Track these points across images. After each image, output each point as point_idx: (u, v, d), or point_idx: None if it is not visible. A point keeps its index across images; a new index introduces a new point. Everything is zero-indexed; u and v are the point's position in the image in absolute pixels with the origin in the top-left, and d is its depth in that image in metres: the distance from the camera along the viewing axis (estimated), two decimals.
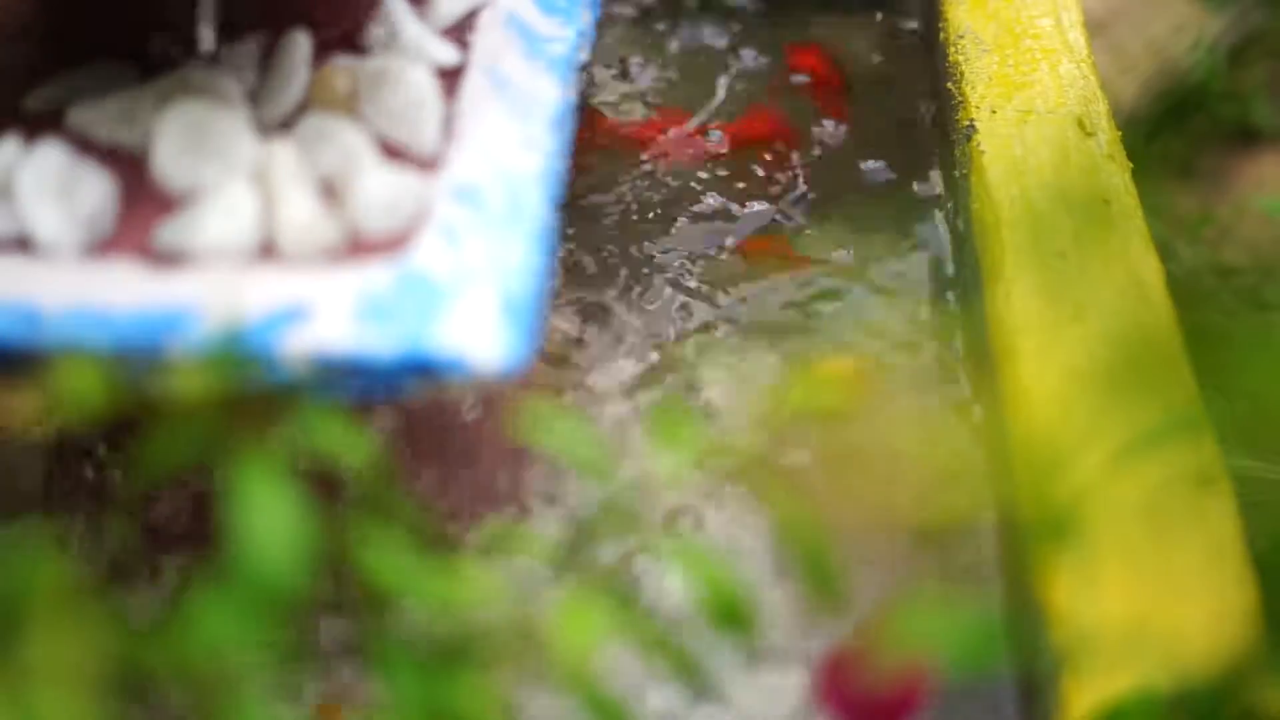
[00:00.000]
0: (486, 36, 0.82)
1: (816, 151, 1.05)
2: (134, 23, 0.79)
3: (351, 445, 0.59)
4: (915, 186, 1.02)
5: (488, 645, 0.57)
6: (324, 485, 0.74)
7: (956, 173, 0.97)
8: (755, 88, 1.10)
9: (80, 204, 0.71)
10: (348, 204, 0.72)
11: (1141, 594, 0.69)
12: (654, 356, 0.90)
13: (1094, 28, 1.06)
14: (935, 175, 1.03)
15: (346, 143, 0.74)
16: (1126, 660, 0.66)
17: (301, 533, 0.54)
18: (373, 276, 0.68)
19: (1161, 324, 0.81)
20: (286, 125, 0.76)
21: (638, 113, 1.09)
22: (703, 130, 1.06)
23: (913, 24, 1.15)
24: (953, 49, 1.02)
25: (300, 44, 0.78)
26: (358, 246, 0.71)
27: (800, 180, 1.03)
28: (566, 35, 0.83)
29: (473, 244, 0.70)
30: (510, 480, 0.83)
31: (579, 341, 0.89)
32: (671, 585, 0.72)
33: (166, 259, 0.70)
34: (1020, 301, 0.83)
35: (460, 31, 0.82)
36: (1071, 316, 0.81)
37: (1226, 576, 0.69)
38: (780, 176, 1.03)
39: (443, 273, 0.69)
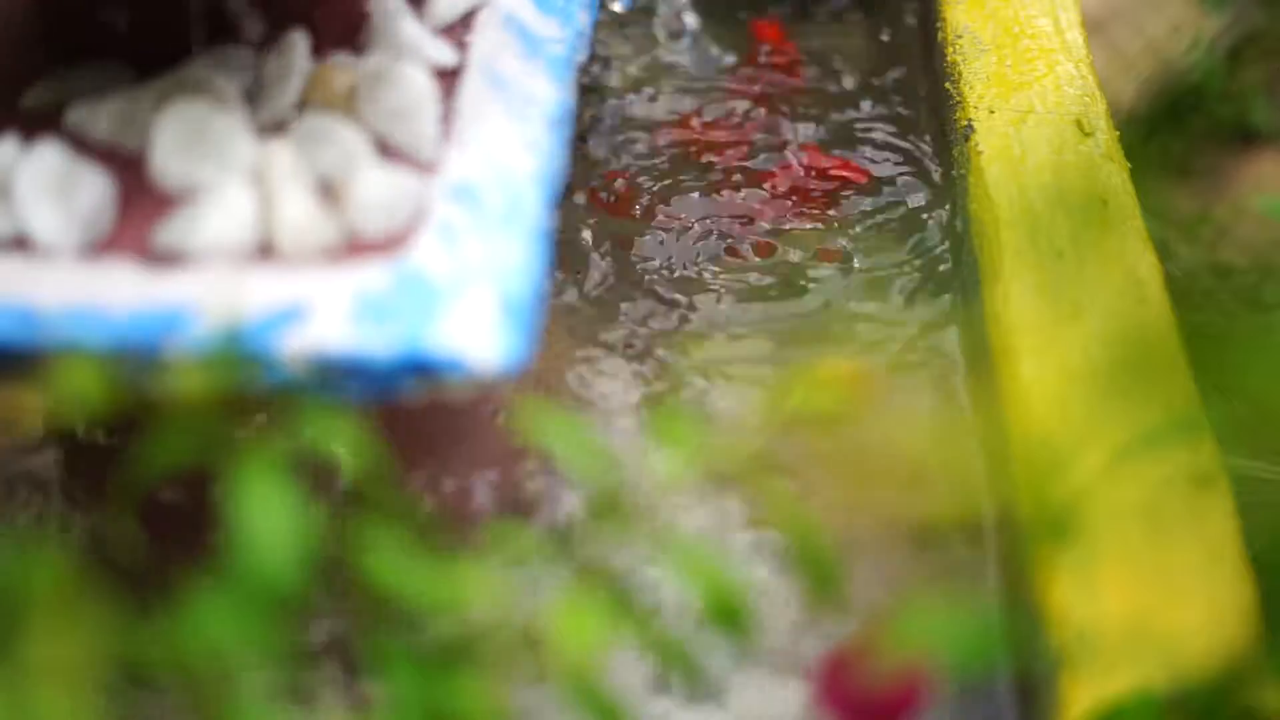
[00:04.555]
0: (484, 37, 0.82)
1: None
2: (132, 22, 0.79)
3: (351, 445, 0.59)
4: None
5: (488, 645, 0.57)
6: (323, 484, 0.74)
7: (954, 173, 0.97)
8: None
9: (78, 204, 0.71)
10: (346, 204, 0.72)
11: (1140, 594, 0.69)
12: None
13: (1092, 27, 1.06)
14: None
15: (344, 143, 0.74)
16: (1125, 660, 0.66)
17: (301, 533, 0.54)
18: (371, 276, 0.68)
19: (1160, 324, 0.81)
20: (284, 125, 0.76)
21: None
22: None
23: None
24: (951, 49, 1.02)
25: (298, 44, 0.78)
26: (356, 246, 0.71)
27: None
28: (564, 36, 0.83)
29: (471, 244, 0.70)
30: (509, 480, 0.83)
31: None
32: (670, 585, 0.72)
33: (164, 259, 0.69)
34: (1018, 301, 0.83)
35: (458, 32, 0.82)
36: (1070, 316, 0.81)
37: (1225, 577, 0.69)
38: None
39: (441, 273, 0.69)
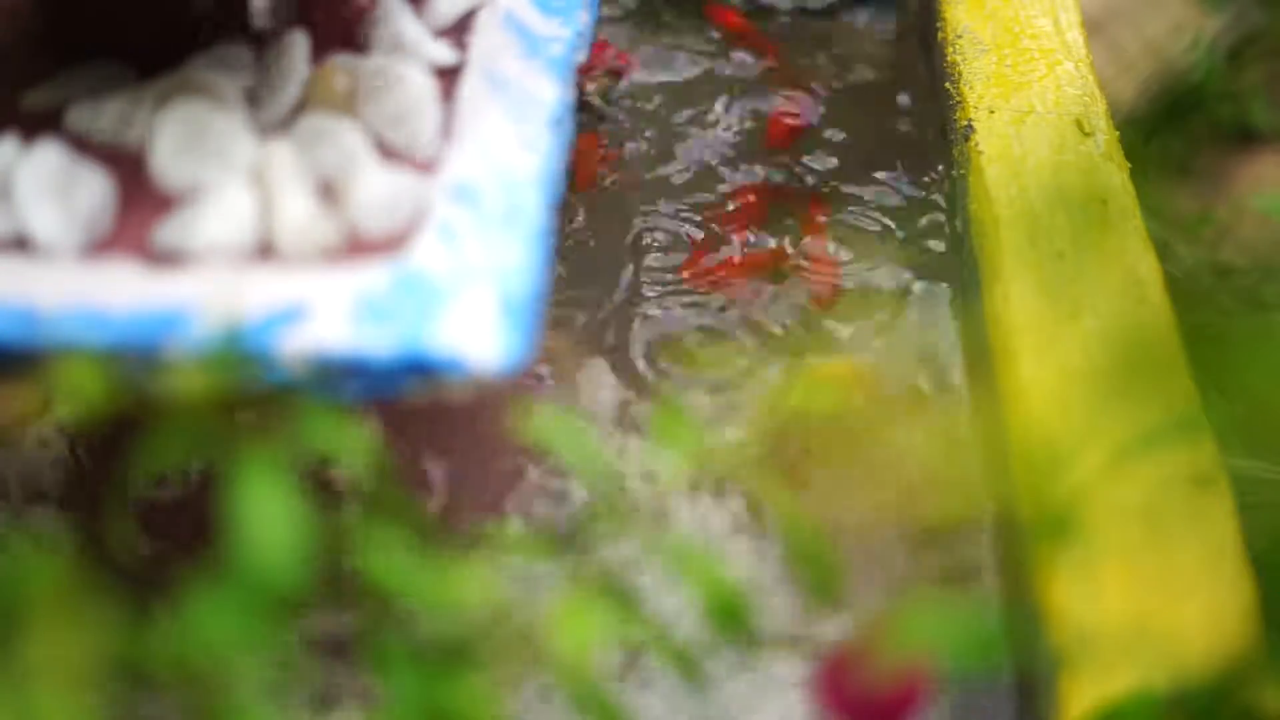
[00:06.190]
0: (485, 37, 0.82)
1: None
2: (134, 22, 0.79)
3: (351, 445, 0.59)
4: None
5: (488, 645, 0.57)
6: (324, 485, 0.74)
7: (955, 173, 0.97)
8: None
9: (78, 204, 0.71)
10: (346, 204, 0.72)
11: (1140, 594, 0.69)
12: None
13: (1092, 27, 1.06)
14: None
15: (345, 143, 0.74)
16: (1125, 660, 0.66)
17: (301, 533, 0.54)
18: (371, 277, 0.68)
19: (1160, 324, 0.81)
20: (285, 125, 0.76)
21: None
22: None
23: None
24: (951, 49, 1.02)
25: (299, 44, 0.78)
26: (356, 247, 0.71)
27: None
28: (564, 35, 0.83)
29: (471, 244, 0.70)
30: (509, 480, 0.83)
31: None
32: (670, 585, 0.72)
33: (165, 259, 0.70)
34: (1018, 301, 0.83)
35: (458, 32, 0.82)
36: (1070, 316, 0.81)
37: (1225, 577, 0.69)
38: None
39: (441, 273, 0.69)
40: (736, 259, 0.98)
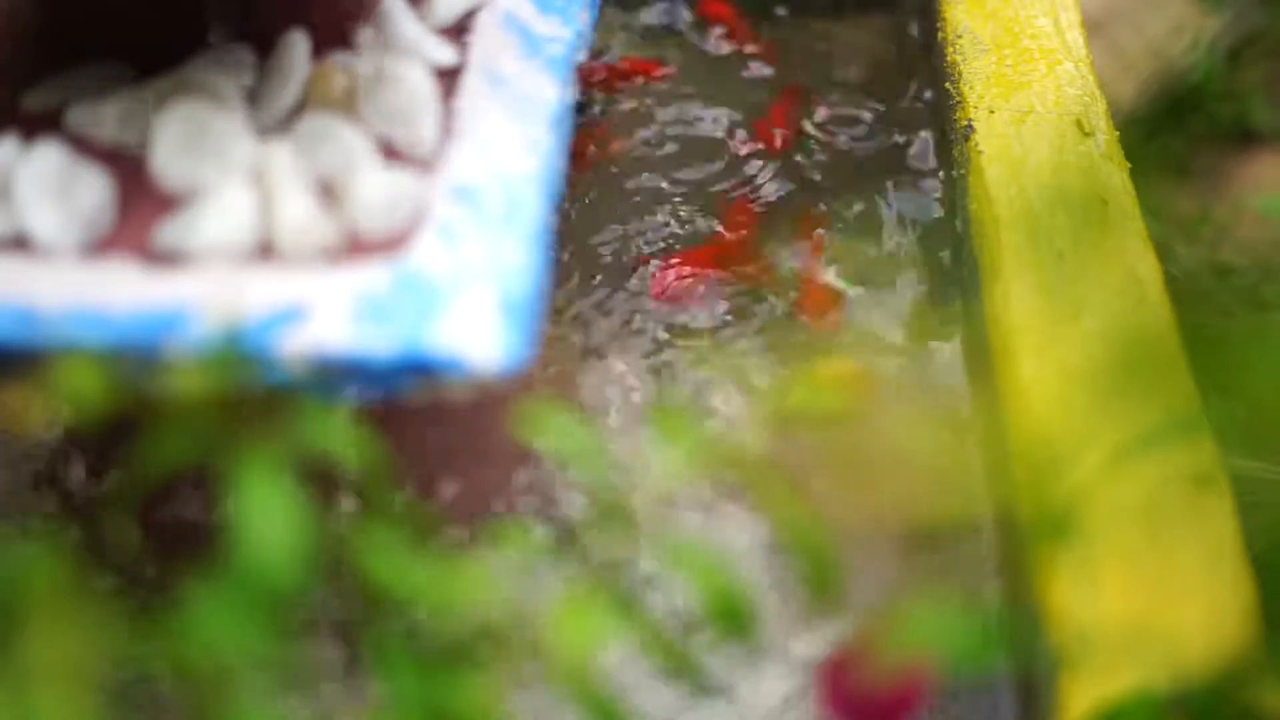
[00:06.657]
0: (484, 37, 0.82)
1: None
2: (134, 22, 0.79)
3: (351, 445, 0.59)
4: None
5: (488, 645, 0.57)
6: (324, 485, 0.74)
7: (955, 172, 0.97)
8: None
9: (78, 204, 0.71)
10: (346, 204, 0.72)
11: (1140, 594, 0.69)
12: None
13: (1092, 27, 1.06)
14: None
15: (345, 143, 0.74)
16: (1125, 660, 0.66)
17: (301, 532, 0.54)
18: (371, 277, 0.68)
19: (1160, 324, 0.81)
20: (285, 125, 0.76)
21: None
22: None
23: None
24: (951, 49, 1.02)
25: (298, 44, 0.78)
26: (356, 247, 0.71)
27: None
28: (564, 35, 0.83)
29: (471, 244, 0.70)
30: (510, 479, 0.83)
31: None
32: (671, 585, 0.72)
33: (165, 259, 0.70)
34: (1018, 301, 0.83)
35: (458, 32, 0.82)
36: (1070, 316, 0.81)
37: (1225, 577, 0.69)
38: None
39: (441, 273, 0.69)
40: (730, 264, 0.98)
